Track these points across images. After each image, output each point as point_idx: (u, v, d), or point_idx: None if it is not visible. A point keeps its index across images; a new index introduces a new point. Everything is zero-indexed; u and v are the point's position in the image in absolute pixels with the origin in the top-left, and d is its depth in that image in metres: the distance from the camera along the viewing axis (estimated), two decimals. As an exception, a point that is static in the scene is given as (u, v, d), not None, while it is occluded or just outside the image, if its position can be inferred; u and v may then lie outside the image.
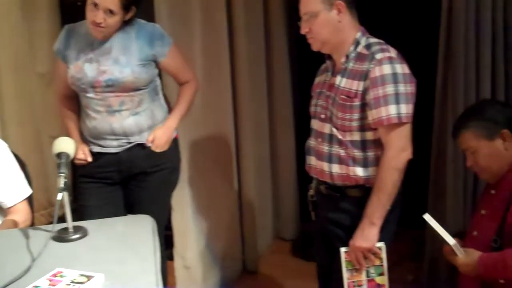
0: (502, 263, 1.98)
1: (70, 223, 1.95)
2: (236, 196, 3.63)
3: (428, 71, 2.95)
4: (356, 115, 2.14)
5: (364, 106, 2.12)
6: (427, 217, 2.15)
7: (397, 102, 2.06)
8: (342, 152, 2.18)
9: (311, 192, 2.43)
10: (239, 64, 3.48)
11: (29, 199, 2.39)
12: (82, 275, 1.61)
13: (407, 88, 2.08)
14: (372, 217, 2.13)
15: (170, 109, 2.71)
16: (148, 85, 2.55)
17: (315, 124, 2.32)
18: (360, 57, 2.16)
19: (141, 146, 2.58)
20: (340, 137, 2.18)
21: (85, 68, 2.48)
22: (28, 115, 4.01)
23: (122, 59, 2.47)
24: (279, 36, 3.90)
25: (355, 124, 2.15)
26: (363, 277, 2.20)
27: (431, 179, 3.11)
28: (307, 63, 2.67)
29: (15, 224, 2.22)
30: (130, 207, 2.67)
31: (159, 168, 2.63)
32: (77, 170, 2.65)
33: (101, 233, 2.00)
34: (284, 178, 4.14)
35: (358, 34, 2.19)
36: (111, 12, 2.37)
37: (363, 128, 2.15)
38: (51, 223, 1.96)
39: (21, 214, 2.29)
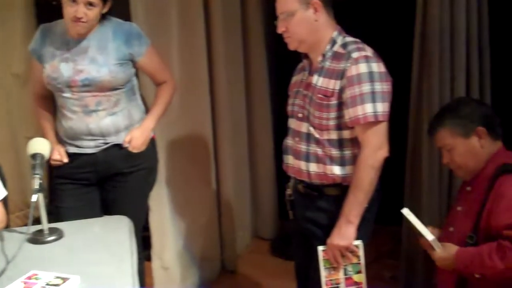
0: (479, 258, 2.01)
1: (45, 225, 1.93)
2: (214, 195, 3.62)
3: (404, 70, 2.97)
4: (333, 114, 2.14)
5: (341, 105, 2.13)
6: (405, 211, 2.17)
7: (374, 100, 2.07)
8: (319, 151, 2.19)
9: (289, 191, 2.44)
10: (217, 64, 3.47)
11: (4, 201, 2.35)
12: (57, 277, 1.60)
13: (383, 86, 2.10)
14: (349, 215, 2.13)
15: (147, 109, 2.70)
16: (125, 85, 2.53)
17: (292, 123, 2.32)
18: (336, 56, 2.17)
19: (118, 146, 2.56)
20: (317, 136, 2.19)
21: (61, 68, 2.46)
22: (4, 116, 3.97)
23: (99, 59, 2.45)
24: (257, 35, 3.90)
25: (332, 123, 2.15)
26: (340, 275, 2.21)
27: (407, 176, 3.13)
28: (285, 62, 2.67)
29: (-11, 226, 2.20)
30: (107, 208, 2.65)
31: (136, 168, 2.61)
32: (53, 171, 2.62)
33: (77, 234, 1.99)
34: (263, 177, 4.15)
35: (335, 33, 2.20)
36: (90, 4, 2.36)
37: (340, 127, 2.16)
38: (26, 225, 1.94)
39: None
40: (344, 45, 2.17)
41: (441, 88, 2.85)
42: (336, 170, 2.18)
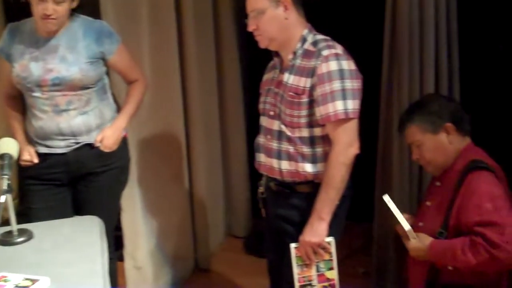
0: (451, 252, 2.04)
1: (14, 226, 1.91)
2: (187, 194, 3.61)
3: (374, 67, 3.00)
4: (304, 112, 2.16)
5: (312, 103, 2.14)
6: (386, 198, 2.19)
7: (344, 98, 2.09)
8: (291, 148, 2.20)
9: (261, 189, 2.45)
10: (189, 62, 3.45)
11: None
12: (26, 279, 1.59)
13: (353, 84, 2.11)
14: (321, 212, 2.15)
15: (118, 108, 2.68)
16: (96, 84, 2.51)
17: (264, 121, 2.33)
18: (307, 54, 2.18)
19: (90, 146, 2.54)
20: (288, 133, 2.20)
21: (31, 67, 2.43)
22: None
23: (69, 57, 2.43)
24: (228, 33, 3.89)
25: (303, 120, 2.17)
26: (313, 272, 2.22)
27: (377, 172, 3.16)
28: (257, 60, 2.68)
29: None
30: (79, 208, 2.63)
31: (108, 168, 2.59)
32: (23, 172, 2.59)
33: (47, 235, 1.97)
34: (236, 175, 4.15)
35: (305, 31, 2.21)
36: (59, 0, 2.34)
37: (311, 124, 2.17)
38: (-6, 226, 1.92)
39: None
40: (315, 43, 2.18)
41: (410, 85, 2.88)
42: (308, 167, 2.19)
